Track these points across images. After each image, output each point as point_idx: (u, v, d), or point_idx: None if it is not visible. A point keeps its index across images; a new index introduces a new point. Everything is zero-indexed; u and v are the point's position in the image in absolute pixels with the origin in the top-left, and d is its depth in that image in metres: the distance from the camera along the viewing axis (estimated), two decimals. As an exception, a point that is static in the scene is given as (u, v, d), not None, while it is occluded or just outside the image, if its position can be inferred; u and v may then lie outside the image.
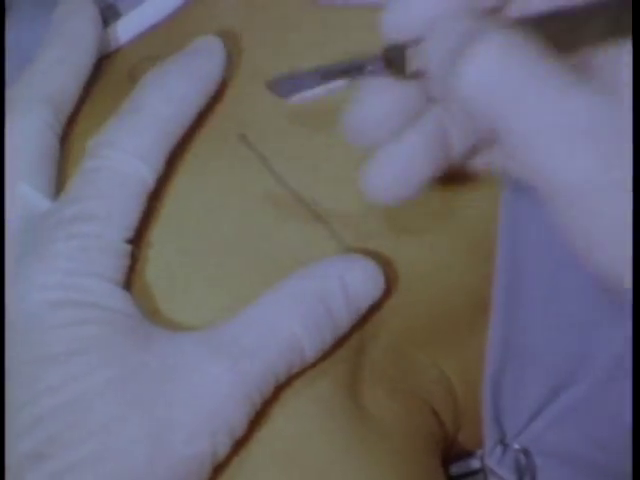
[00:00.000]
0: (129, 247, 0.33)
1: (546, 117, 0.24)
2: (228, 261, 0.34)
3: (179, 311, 0.33)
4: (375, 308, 0.34)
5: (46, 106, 0.35)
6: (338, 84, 0.30)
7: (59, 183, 0.35)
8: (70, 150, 0.36)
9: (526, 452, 0.39)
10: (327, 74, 0.30)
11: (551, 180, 0.25)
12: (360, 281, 0.32)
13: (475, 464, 0.40)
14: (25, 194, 0.33)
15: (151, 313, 0.33)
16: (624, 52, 0.25)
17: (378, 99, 0.30)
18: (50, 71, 0.35)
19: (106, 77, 0.38)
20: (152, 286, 0.33)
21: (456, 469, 0.40)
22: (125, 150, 0.33)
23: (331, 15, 0.37)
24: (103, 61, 0.39)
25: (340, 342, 0.33)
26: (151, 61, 0.37)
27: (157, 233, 0.34)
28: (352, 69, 0.30)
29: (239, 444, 0.31)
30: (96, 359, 0.30)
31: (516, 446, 0.39)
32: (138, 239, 0.34)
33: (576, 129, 0.24)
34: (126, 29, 0.39)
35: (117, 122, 0.34)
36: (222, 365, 0.30)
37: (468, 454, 0.40)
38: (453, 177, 0.33)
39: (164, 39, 0.39)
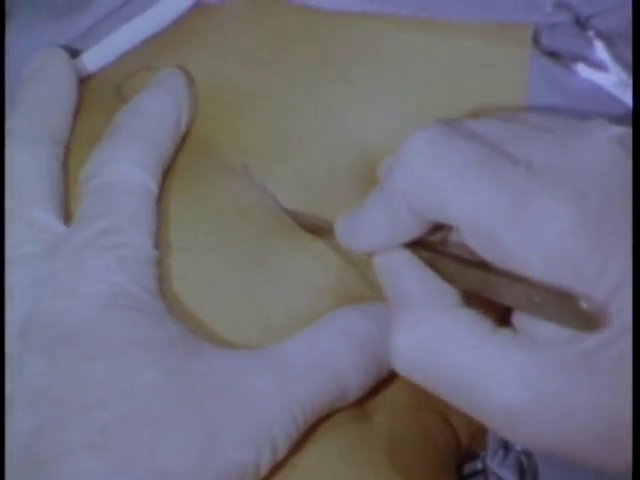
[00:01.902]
0: (157, 253, 0.33)
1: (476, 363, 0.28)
2: (239, 280, 0.34)
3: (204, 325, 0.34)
4: None
5: (49, 139, 0.36)
6: None
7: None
8: (67, 171, 0.36)
9: (528, 453, 0.39)
10: (321, 230, 0.35)
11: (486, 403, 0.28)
12: None
13: (478, 465, 0.41)
14: (40, 219, 0.34)
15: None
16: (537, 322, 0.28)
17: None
18: (44, 107, 0.36)
19: (93, 95, 0.39)
20: (179, 298, 0.34)
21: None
22: (123, 162, 0.34)
23: (328, 34, 0.38)
24: (89, 80, 0.40)
25: None
26: (142, 73, 0.38)
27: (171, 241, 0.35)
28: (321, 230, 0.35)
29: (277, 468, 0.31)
30: (146, 358, 0.30)
31: (518, 448, 0.40)
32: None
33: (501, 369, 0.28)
34: (93, 59, 0.40)
35: (104, 144, 0.35)
36: (270, 382, 0.30)
37: (472, 456, 0.41)
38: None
39: (154, 52, 0.40)
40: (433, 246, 0.31)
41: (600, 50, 0.35)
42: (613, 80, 0.35)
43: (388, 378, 0.34)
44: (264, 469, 0.30)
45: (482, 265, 0.29)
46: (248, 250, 0.35)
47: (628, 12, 0.34)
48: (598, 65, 0.35)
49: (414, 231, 0.30)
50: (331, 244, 0.35)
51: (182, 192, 0.36)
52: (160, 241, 0.34)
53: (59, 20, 0.40)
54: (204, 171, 0.36)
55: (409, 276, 0.30)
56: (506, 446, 0.39)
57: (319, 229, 0.35)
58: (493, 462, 0.39)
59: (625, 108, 0.35)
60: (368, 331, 0.32)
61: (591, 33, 0.35)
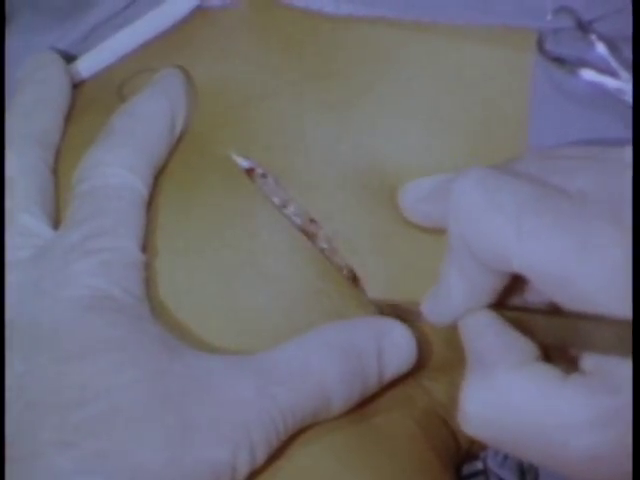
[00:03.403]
0: (144, 256, 0.33)
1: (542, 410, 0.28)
2: (230, 281, 0.34)
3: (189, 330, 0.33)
4: None
5: (38, 143, 0.36)
6: None
7: (57, 211, 0.35)
8: (65, 174, 0.36)
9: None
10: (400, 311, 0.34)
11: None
12: (394, 352, 0.33)
13: (478, 466, 0.41)
14: (27, 224, 0.34)
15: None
16: (624, 363, 0.27)
17: None
18: (34, 111, 0.37)
19: (94, 96, 0.39)
20: (164, 303, 0.34)
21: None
22: (113, 165, 0.34)
23: (334, 40, 0.38)
24: (90, 82, 0.40)
25: None
26: (143, 74, 0.38)
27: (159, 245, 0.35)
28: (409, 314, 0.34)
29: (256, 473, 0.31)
30: (124, 359, 0.30)
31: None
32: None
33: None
34: (90, 63, 0.40)
35: (96, 147, 0.35)
36: (250, 385, 0.30)
37: (472, 456, 0.41)
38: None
39: (156, 54, 0.39)
40: (519, 304, 0.31)
41: (603, 53, 0.35)
42: (617, 83, 0.35)
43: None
44: (241, 471, 0.30)
45: (568, 314, 0.28)
46: (236, 254, 0.35)
47: (629, 15, 0.35)
48: (602, 68, 0.35)
49: (492, 286, 0.30)
50: (421, 328, 0.34)
51: (174, 195, 0.36)
52: (148, 244, 0.34)
53: (60, 23, 0.40)
54: (200, 173, 0.36)
55: (487, 335, 0.30)
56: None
57: (405, 314, 0.34)
58: (494, 463, 0.40)
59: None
60: (358, 346, 0.32)
61: (593, 37, 0.35)
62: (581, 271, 0.27)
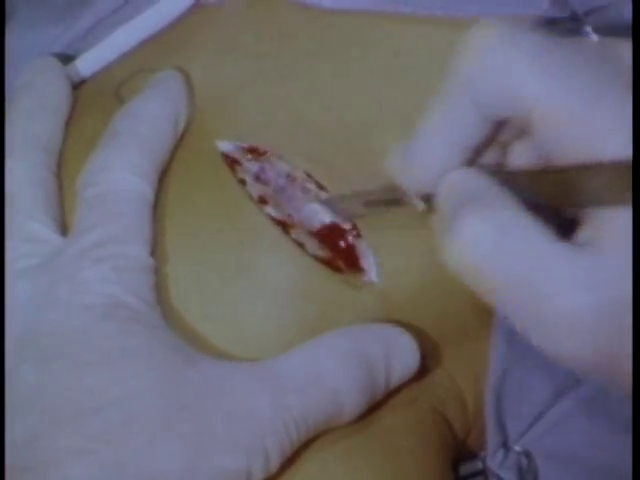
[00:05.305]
0: (154, 261, 0.33)
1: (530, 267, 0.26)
2: (233, 286, 0.35)
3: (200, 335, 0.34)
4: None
5: (42, 150, 0.36)
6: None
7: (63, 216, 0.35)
8: (66, 177, 0.36)
9: (528, 454, 0.39)
10: (369, 203, 0.33)
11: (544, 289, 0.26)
12: (400, 359, 0.33)
13: (478, 466, 0.41)
14: (35, 231, 0.34)
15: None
16: (618, 213, 0.26)
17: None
18: (35, 118, 0.36)
19: (92, 97, 0.39)
20: (176, 308, 0.34)
21: (459, 471, 0.41)
22: (119, 170, 0.34)
23: (328, 28, 0.38)
24: (88, 83, 0.40)
25: None
26: (141, 75, 0.38)
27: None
28: (391, 201, 0.32)
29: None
30: (139, 366, 0.30)
31: (518, 448, 0.40)
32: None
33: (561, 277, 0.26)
34: (88, 63, 0.40)
35: (100, 150, 0.35)
36: (265, 393, 0.30)
37: (472, 456, 0.41)
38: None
39: (154, 53, 0.40)
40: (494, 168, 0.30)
41: (597, 45, 0.36)
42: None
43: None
44: (256, 479, 0.30)
45: (553, 169, 0.27)
46: (236, 256, 0.35)
47: (621, 10, 0.35)
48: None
49: (477, 133, 0.28)
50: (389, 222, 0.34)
51: (177, 197, 0.36)
52: (157, 249, 0.34)
53: (60, 20, 0.40)
54: (195, 172, 0.36)
55: (477, 182, 0.28)
56: (505, 446, 0.39)
57: (372, 204, 0.33)
58: (493, 462, 0.39)
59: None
60: (368, 353, 0.32)
61: (588, 28, 0.36)
62: (594, 109, 0.25)
